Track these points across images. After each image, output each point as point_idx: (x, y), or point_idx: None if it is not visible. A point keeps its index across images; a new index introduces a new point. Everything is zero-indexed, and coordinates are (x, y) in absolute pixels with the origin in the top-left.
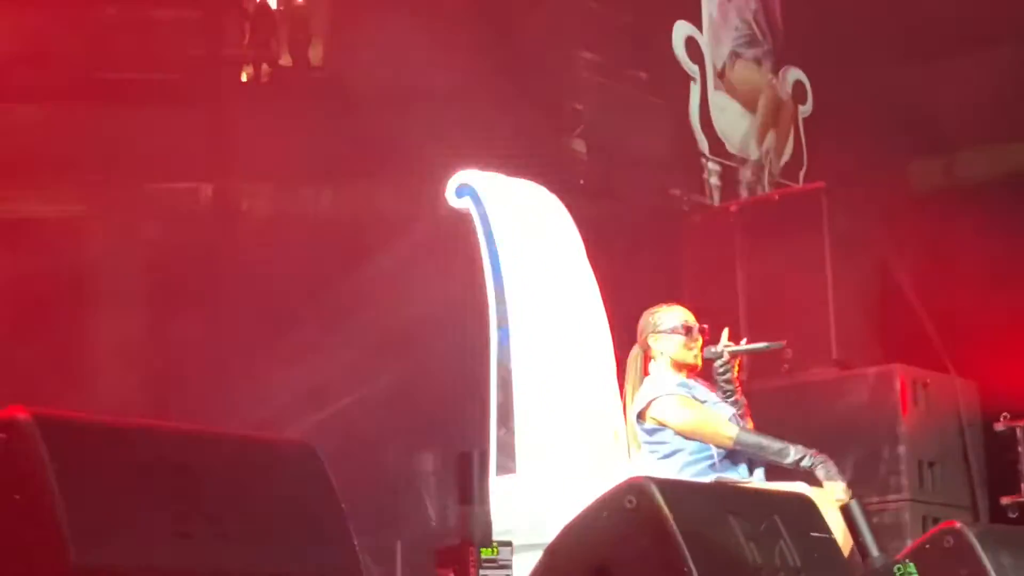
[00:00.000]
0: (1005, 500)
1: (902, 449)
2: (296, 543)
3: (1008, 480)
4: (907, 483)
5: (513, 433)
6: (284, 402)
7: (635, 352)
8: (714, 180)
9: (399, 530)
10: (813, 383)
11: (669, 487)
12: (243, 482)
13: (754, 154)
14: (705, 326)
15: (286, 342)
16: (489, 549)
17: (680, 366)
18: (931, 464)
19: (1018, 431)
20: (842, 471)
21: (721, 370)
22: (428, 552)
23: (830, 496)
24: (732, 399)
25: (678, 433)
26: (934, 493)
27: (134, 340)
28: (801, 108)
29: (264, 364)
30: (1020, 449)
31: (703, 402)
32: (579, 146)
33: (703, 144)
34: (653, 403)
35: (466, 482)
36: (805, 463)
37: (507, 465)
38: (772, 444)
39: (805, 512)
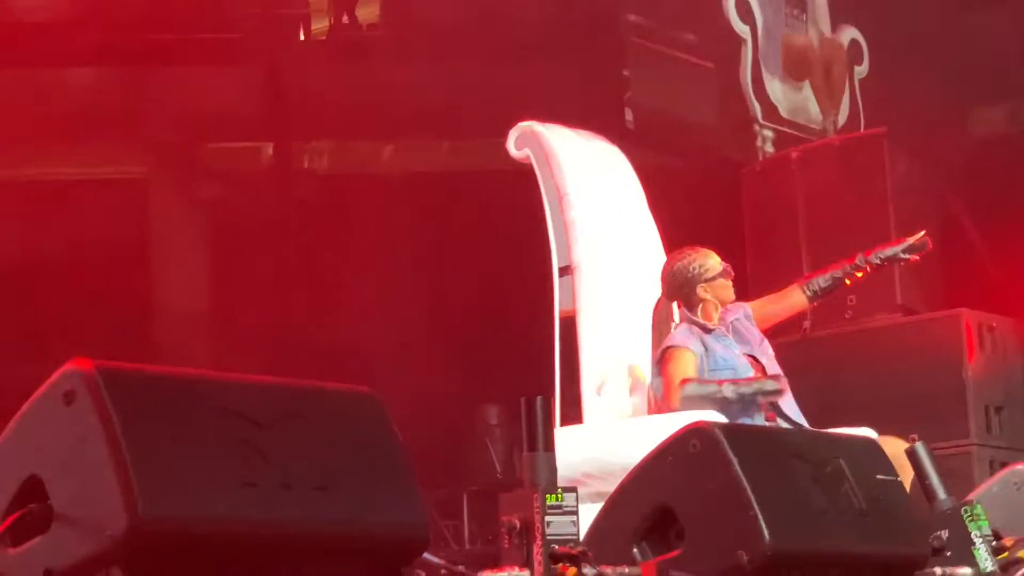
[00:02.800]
0: None
1: (968, 394)
2: (362, 493)
3: None
4: (973, 428)
5: (579, 382)
6: (349, 354)
7: (665, 305)
8: (768, 147)
9: (466, 482)
10: (878, 329)
11: (733, 431)
12: (308, 432)
13: (808, 119)
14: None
15: (350, 298)
16: (554, 495)
17: (718, 309)
18: (998, 409)
19: None
20: (908, 415)
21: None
22: (494, 503)
23: (896, 440)
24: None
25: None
26: (1000, 437)
27: (198, 299)
28: (857, 69)
29: (329, 319)
30: None
31: (711, 370)
32: (627, 114)
33: (755, 109)
34: (666, 351)
35: (531, 428)
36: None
37: (573, 415)
38: (725, 389)
39: (870, 455)
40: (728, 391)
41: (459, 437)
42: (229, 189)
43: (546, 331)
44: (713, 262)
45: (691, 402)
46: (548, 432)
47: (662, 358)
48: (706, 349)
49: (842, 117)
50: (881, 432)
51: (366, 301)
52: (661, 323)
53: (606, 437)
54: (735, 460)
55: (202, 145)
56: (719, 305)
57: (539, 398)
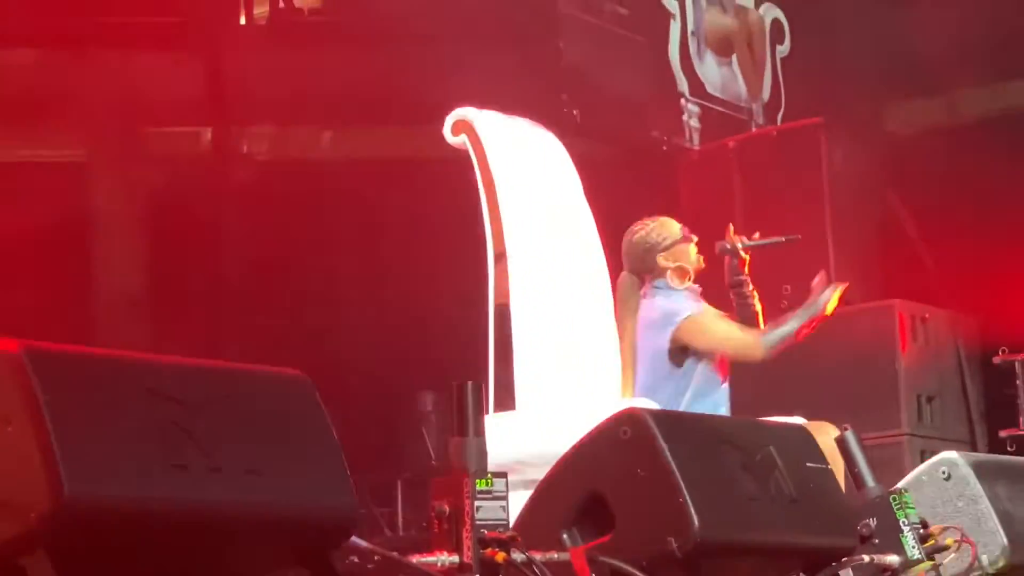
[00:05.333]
0: (1003, 433)
1: (900, 384)
2: (291, 477)
3: (1006, 414)
4: (905, 417)
5: (511, 369)
6: (284, 339)
7: (628, 279)
8: (694, 122)
9: (400, 469)
10: None
11: (664, 417)
12: (238, 414)
13: (733, 95)
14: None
15: (286, 283)
16: (484, 480)
17: (686, 273)
18: (930, 399)
19: (1016, 365)
20: (841, 405)
21: (736, 266)
22: (428, 490)
23: (826, 428)
24: (746, 300)
25: (704, 351)
26: (932, 427)
27: (134, 284)
28: (779, 48)
29: (264, 304)
30: (1018, 383)
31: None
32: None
33: (682, 84)
34: (685, 321)
35: (461, 413)
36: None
37: (505, 401)
38: (790, 325)
39: (801, 443)
40: (795, 322)
41: (394, 423)
42: (168, 174)
43: (483, 318)
44: (671, 229)
45: (771, 347)
46: (478, 417)
47: (684, 328)
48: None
49: (764, 95)
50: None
51: (302, 286)
52: (626, 299)
53: (538, 424)
54: (665, 447)
55: (141, 129)
56: (686, 272)
57: (469, 383)
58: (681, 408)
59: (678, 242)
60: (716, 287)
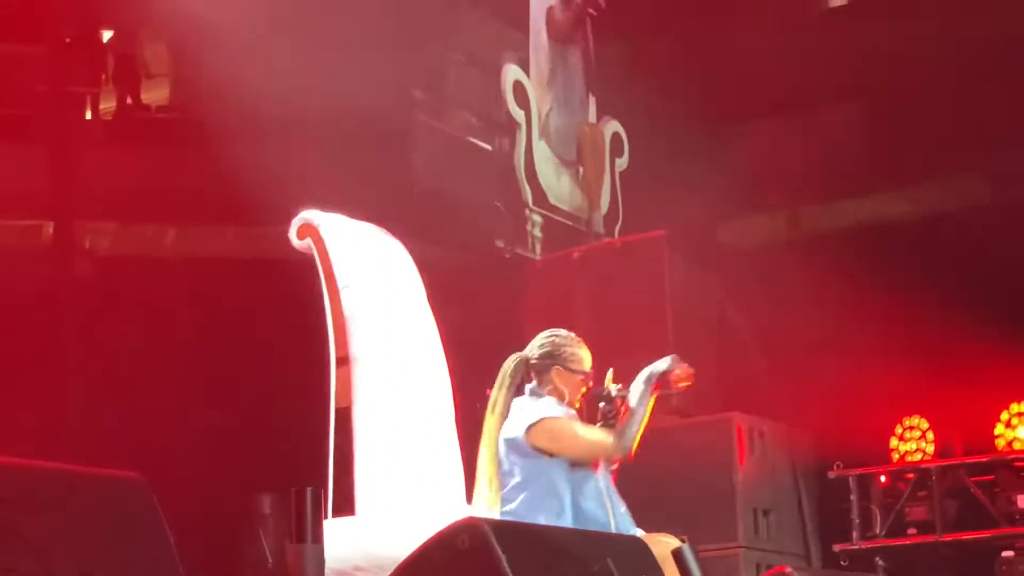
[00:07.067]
0: (837, 548)
1: (737, 497)
2: None
3: (841, 528)
4: (742, 530)
5: (351, 473)
6: (120, 439)
7: (518, 361)
8: (537, 232)
9: (237, 573)
10: (652, 430)
11: (503, 528)
12: (71, 517)
13: (576, 206)
14: None
15: (125, 379)
16: None
17: (563, 399)
18: (766, 512)
19: (850, 480)
20: (678, 517)
21: (610, 414)
22: None
23: (665, 540)
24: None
25: (559, 455)
26: (768, 540)
27: None
28: (618, 161)
29: (102, 400)
30: (852, 498)
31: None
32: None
33: (527, 194)
34: (543, 422)
35: (300, 519)
36: (658, 368)
37: (344, 507)
38: (635, 410)
39: (638, 555)
40: (635, 403)
41: (231, 526)
42: (7, 267)
43: (324, 421)
44: (584, 361)
45: (630, 440)
46: (317, 524)
47: (538, 427)
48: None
49: (604, 207)
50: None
51: (141, 385)
52: (507, 377)
53: (377, 529)
54: (503, 557)
55: None
56: (564, 399)
57: (308, 489)
58: (564, 501)
59: (579, 373)
60: None
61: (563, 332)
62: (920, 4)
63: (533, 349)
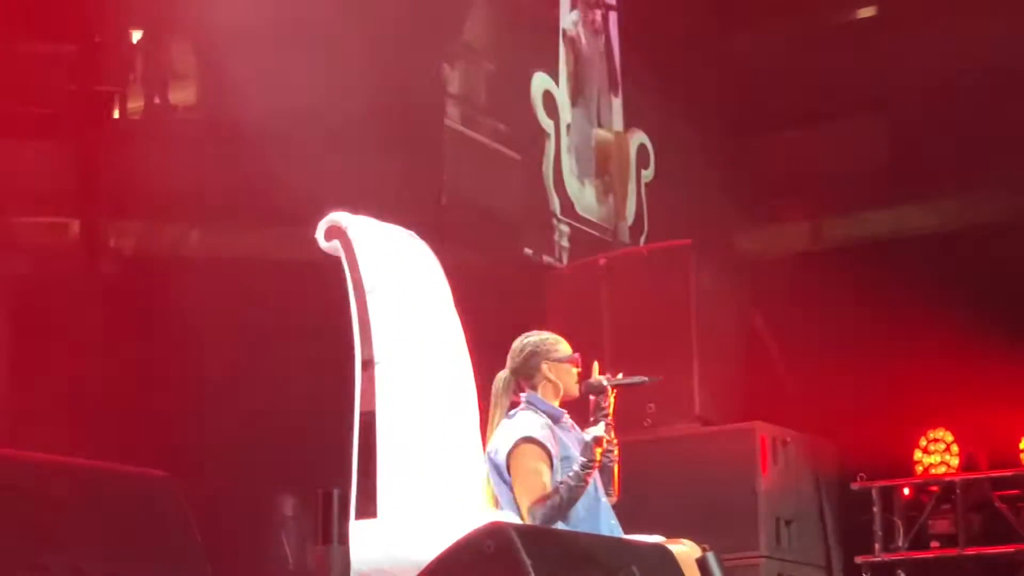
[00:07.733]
0: (859, 559)
1: (759, 506)
2: None
3: (862, 539)
4: (763, 540)
5: (375, 478)
6: (148, 438)
7: (506, 378)
8: (564, 241)
9: (258, 573)
10: (675, 438)
11: (529, 533)
12: (100, 514)
13: (602, 217)
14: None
15: (151, 380)
16: None
17: (559, 393)
18: (788, 522)
19: (873, 491)
20: (700, 525)
21: (602, 404)
22: None
23: (688, 550)
24: (608, 456)
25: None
26: (790, 550)
27: None
28: (644, 172)
29: (130, 401)
30: (875, 509)
31: (563, 458)
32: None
33: (554, 203)
34: (513, 449)
35: (326, 521)
36: (593, 433)
37: (368, 509)
38: (570, 480)
39: (662, 562)
40: (565, 492)
41: (254, 527)
42: (33, 264)
43: (347, 423)
44: (564, 347)
45: (545, 521)
46: (342, 525)
47: (514, 452)
48: (554, 436)
49: (629, 217)
50: None
51: (167, 384)
52: (499, 395)
53: (400, 532)
54: (528, 562)
55: (8, 219)
56: (560, 391)
57: (335, 491)
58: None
59: (565, 360)
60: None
61: (532, 332)
62: (945, 16)
63: (514, 359)
